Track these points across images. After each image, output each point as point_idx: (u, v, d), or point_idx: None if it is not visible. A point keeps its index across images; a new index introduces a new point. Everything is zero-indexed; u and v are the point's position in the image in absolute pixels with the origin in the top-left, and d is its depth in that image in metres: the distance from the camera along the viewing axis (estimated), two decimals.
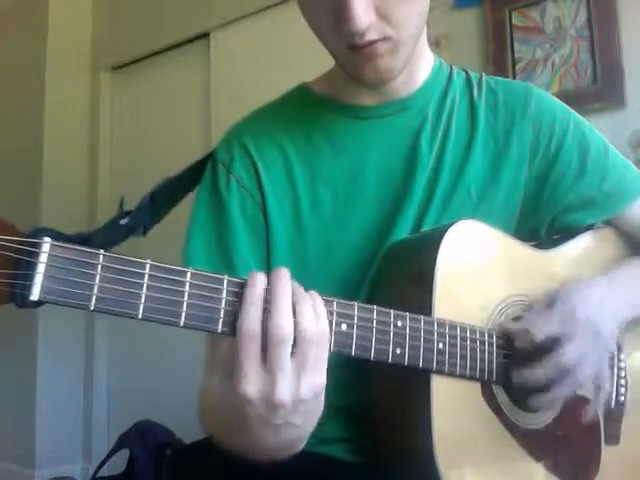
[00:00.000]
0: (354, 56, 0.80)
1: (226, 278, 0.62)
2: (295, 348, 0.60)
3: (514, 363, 0.81)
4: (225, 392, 0.62)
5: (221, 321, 0.61)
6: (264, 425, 0.62)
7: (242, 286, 0.62)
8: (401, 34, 0.79)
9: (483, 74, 0.99)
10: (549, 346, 0.79)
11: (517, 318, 0.84)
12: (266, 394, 0.60)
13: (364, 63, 0.80)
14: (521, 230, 0.94)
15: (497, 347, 0.81)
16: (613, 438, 0.91)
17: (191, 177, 0.95)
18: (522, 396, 0.83)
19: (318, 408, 0.65)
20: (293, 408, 0.61)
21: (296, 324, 0.61)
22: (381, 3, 0.76)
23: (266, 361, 0.60)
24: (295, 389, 0.60)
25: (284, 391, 0.60)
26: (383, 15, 0.77)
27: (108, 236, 0.84)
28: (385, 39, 0.78)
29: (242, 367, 0.60)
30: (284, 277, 0.62)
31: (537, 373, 0.79)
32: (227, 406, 0.63)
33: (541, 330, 0.78)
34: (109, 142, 3.47)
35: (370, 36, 0.77)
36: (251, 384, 0.59)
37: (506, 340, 0.82)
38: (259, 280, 0.62)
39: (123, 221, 0.86)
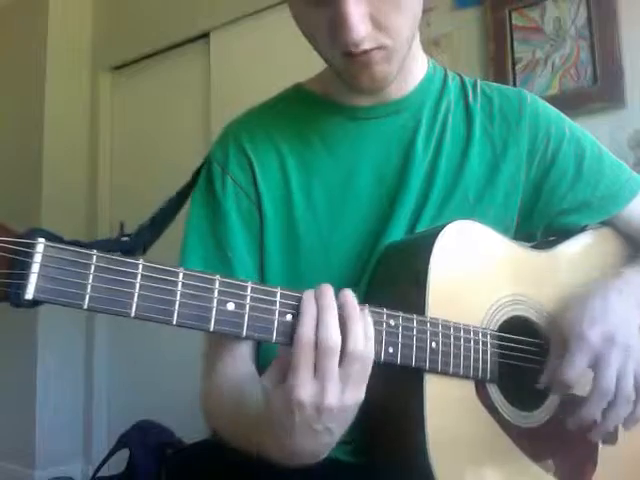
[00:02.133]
0: (349, 64, 0.80)
1: (218, 278, 0.63)
2: (342, 362, 0.64)
3: (567, 408, 0.83)
4: (276, 398, 0.65)
5: (213, 320, 0.62)
6: (306, 430, 0.65)
7: (233, 286, 0.63)
8: (396, 42, 0.79)
9: (477, 79, 0.99)
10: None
11: (515, 318, 0.85)
12: (317, 399, 0.63)
13: (359, 70, 0.80)
14: (518, 235, 0.94)
15: (491, 346, 0.81)
16: (611, 437, 0.91)
17: (187, 191, 0.95)
18: (518, 395, 0.83)
19: (352, 417, 0.68)
20: (336, 415, 0.64)
21: (345, 342, 0.64)
22: (377, 12, 0.76)
23: (316, 370, 0.63)
24: (341, 397, 0.64)
25: (332, 397, 0.63)
26: (379, 24, 0.77)
27: (104, 249, 0.84)
28: (380, 48, 0.78)
29: (297, 374, 0.63)
30: (327, 293, 0.66)
31: (590, 412, 0.79)
32: (280, 411, 0.65)
33: (573, 375, 0.79)
34: (109, 142, 3.47)
35: (365, 45, 0.77)
36: (304, 389, 0.63)
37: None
38: (313, 295, 0.66)
39: (124, 239, 0.87)
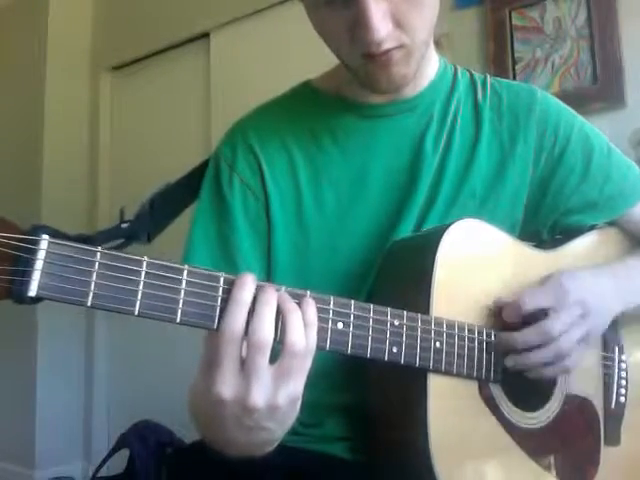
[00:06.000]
0: (368, 64, 0.80)
1: (222, 276, 0.62)
2: (280, 358, 0.61)
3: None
4: (204, 389, 0.63)
5: (217, 318, 0.61)
6: (237, 425, 0.63)
7: None
8: (416, 41, 0.79)
9: (487, 75, 0.98)
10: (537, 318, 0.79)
11: None
12: (240, 397, 0.61)
13: (378, 71, 0.80)
14: (523, 233, 0.94)
15: (495, 346, 0.81)
16: (613, 439, 0.91)
17: (192, 185, 0.95)
18: (521, 395, 0.83)
19: (293, 413, 0.66)
20: (267, 414, 0.62)
21: (284, 336, 0.61)
22: (397, 11, 0.75)
23: (244, 366, 0.60)
24: (271, 396, 0.61)
25: (258, 397, 0.61)
26: (399, 23, 0.76)
27: (108, 239, 0.84)
28: (400, 47, 0.78)
29: (219, 367, 0.60)
30: (269, 287, 0.63)
31: (516, 337, 0.79)
32: (205, 402, 0.64)
33: (530, 302, 0.79)
34: (109, 142, 3.47)
35: (387, 45, 0.76)
36: (226, 385, 0.60)
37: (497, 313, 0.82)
38: (247, 282, 0.62)
39: (124, 225, 0.87)
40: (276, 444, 0.70)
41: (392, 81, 0.82)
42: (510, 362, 0.80)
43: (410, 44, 0.79)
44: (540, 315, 0.79)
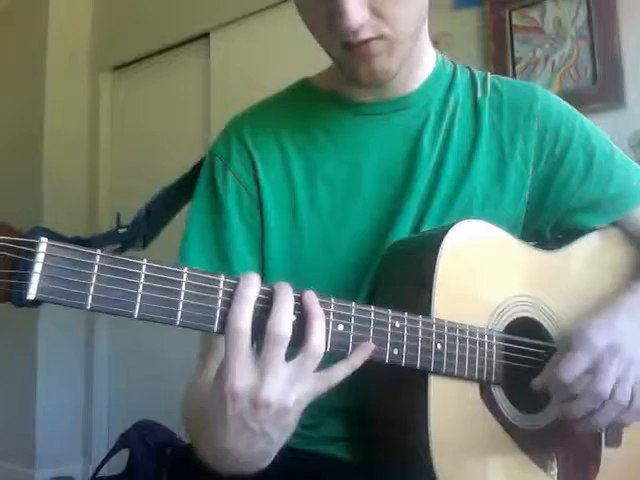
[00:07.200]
0: (349, 55, 0.79)
1: (222, 278, 0.62)
2: (300, 359, 0.62)
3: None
4: (214, 388, 0.63)
5: (217, 320, 0.61)
6: (242, 427, 0.63)
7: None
8: (398, 33, 0.78)
9: (488, 73, 0.98)
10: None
11: (521, 319, 0.84)
12: (253, 390, 0.61)
13: (359, 63, 0.80)
14: (525, 232, 0.93)
15: (497, 348, 0.81)
16: (614, 440, 0.91)
17: (187, 186, 0.95)
18: (522, 397, 0.82)
19: (293, 424, 0.65)
20: (275, 415, 0.62)
21: (308, 339, 0.62)
22: (375, 1, 0.75)
23: (258, 359, 0.61)
24: (284, 394, 0.61)
25: (272, 391, 0.61)
26: (378, 13, 0.76)
27: (105, 243, 0.84)
28: (380, 37, 0.77)
29: (229, 363, 0.61)
30: (286, 287, 0.64)
31: (572, 406, 0.78)
32: (212, 403, 0.63)
33: (568, 373, 0.77)
34: (109, 142, 3.47)
35: (364, 35, 0.76)
36: (239, 380, 0.60)
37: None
38: (251, 279, 0.62)
39: (121, 230, 0.87)
40: (268, 462, 0.69)
41: (373, 74, 0.81)
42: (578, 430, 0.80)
43: (391, 35, 0.78)
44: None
